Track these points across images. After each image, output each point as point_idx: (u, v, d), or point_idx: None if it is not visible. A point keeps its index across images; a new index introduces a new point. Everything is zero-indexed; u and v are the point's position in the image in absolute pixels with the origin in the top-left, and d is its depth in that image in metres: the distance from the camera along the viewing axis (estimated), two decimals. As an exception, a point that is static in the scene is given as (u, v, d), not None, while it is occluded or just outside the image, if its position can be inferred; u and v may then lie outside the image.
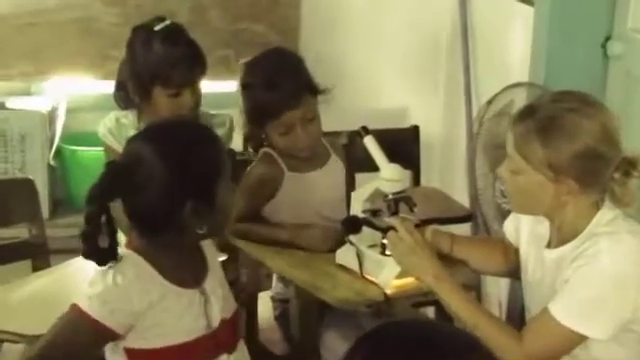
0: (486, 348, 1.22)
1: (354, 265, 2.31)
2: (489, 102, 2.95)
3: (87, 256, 1.83)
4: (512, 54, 3.20)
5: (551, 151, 1.96)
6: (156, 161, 1.79)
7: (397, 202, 2.31)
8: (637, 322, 2.02)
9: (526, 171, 2.00)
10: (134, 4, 3.82)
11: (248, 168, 2.60)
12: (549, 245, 2.12)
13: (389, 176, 2.32)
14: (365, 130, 2.42)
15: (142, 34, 2.59)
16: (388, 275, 2.25)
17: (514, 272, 2.28)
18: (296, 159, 2.54)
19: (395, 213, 2.31)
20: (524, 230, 2.22)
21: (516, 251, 2.25)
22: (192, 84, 2.58)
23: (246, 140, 2.65)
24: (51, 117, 4.04)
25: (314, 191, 2.57)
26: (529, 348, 2.00)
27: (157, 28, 2.57)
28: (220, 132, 2.62)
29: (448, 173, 3.62)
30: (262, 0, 3.94)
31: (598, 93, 3.02)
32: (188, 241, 1.89)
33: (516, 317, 3.08)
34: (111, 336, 1.84)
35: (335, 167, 2.62)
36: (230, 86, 3.84)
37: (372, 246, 2.33)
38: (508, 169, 2.05)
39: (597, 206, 2.04)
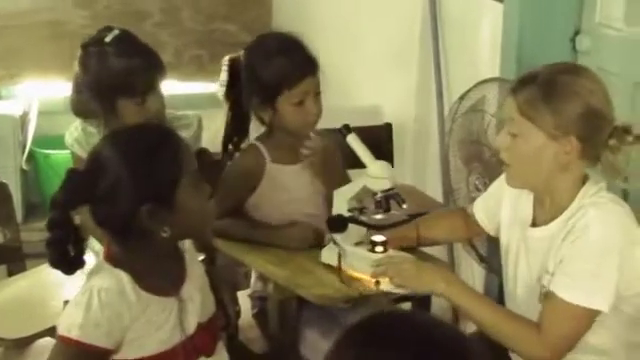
0: (475, 339, 1.23)
1: (341, 263, 2.32)
2: (461, 98, 2.97)
3: (54, 265, 1.81)
4: (483, 50, 3.23)
5: (558, 113, 2.01)
6: (114, 165, 1.78)
7: (387, 199, 2.32)
8: (625, 301, 2.05)
9: (530, 133, 2.04)
10: (104, 6, 3.80)
11: (229, 163, 2.60)
12: (534, 224, 2.15)
13: (377, 173, 2.33)
14: (347, 128, 2.43)
15: (94, 50, 2.53)
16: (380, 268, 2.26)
17: (478, 233, 2.45)
18: (283, 150, 2.54)
19: (387, 210, 2.32)
20: (504, 215, 2.25)
21: (476, 223, 2.37)
22: (155, 88, 2.55)
23: (226, 139, 2.63)
24: (23, 121, 4.01)
25: (295, 184, 2.57)
26: (549, 337, 2.02)
27: (108, 40, 2.52)
28: (188, 133, 2.61)
29: (421, 170, 3.64)
30: (234, 0, 3.94)
31: (568, 87, 3.06)
32: (157, 246, 1.85)
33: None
34: (110, 355, 1.83)
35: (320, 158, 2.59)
36: (202, 87, 3.85)
37: (359, 243, 2.35)
38: (509, 133, 2.08)
39: (583, 181, 2.09)
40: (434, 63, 3.46)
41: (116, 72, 2.49)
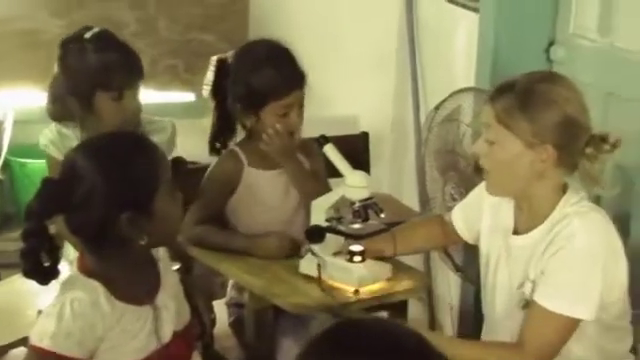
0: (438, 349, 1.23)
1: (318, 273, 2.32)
2: (437, 108, 2.99)
3: (28, 275, 1.79)
4: (459, 60, 3.25)
5: (535, 121, 2.03)
6: (91, 174, 1.77)
7: (366, 209, 2.32)
8: (604, 308, 2.07)
9: (506, 140, 2.06)
10: (81, 15, 3.78)
11: (209, 168, 2.60)
12: (515, 232, 2.17)
13: (355, 183, 2.33)
14: (324, 139, 2.44)
15: (73, 46, 2.57)
16: (359, 279, 2.28)
17: (455, 241, 2.43)
18: (260, 155, 2.54)
19: (365, 220, 2.33)
20: (484, 224, 2.26)
21: (454, 231, 2.37)
22: (132, 86, 2.58)
23: (213, 138, 2.62)
24: (-2, 130, 3.99)
25: (272, 189, 2.58)
26: (531, 348, 2.03)
27: (87, 36, 2.56)
28: (162, 137, 2.62)
29: (398, 179, 3.66)
30: (210, 10, 3.94)
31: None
32: (133, 254, 1.85)
33: (468, 320, 3.12)
34: None
35: (296, 164, 2.59)
36: (177, 96, 3.84)
37: (337, 253, 2.35)
38: (486, 140, 2.09)
39: (563, 190, 2.10)
40: (411, 72, 3.48)
41: (94, 66, 2.52)
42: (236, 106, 2.53)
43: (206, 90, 2.61)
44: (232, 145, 2.61)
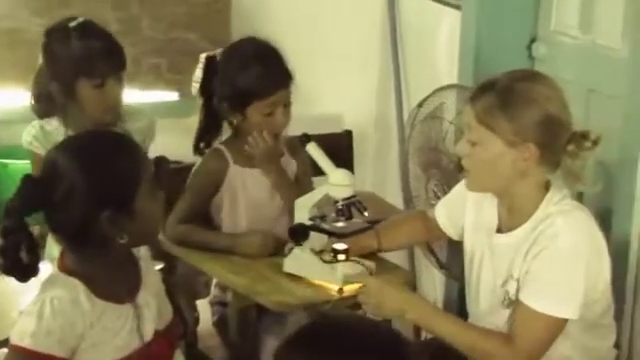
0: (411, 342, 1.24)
1: (304, 272, 2.33)
2: (420, 105, 2.99)
3: (7, 272, 1.78)
4: (441, 57, 3.26)
5: (515, 120, 2.03)
6: (70, 172, 1.77)
7: (349, 207, 2.32)
8: (586, 307, 2.07)
9: (488, 140, 2.06)
10: (63, 14, 3.78)
11: (195, 166, 2.60)
12: (499, 230, 2.17)
13: (338, 181, 2.34)
14: (307, 137, 2.44)
15: (58, 34, 2.61)
16: (344, 278, 2.28)
17: (439, 237, 2.45)
18: (246, 154, 2.54)
19: (349, 218, 2.33)
20: (467, 221, 2.27)
21: (438, 227, 2.37)
22: (115, 76, 2.59)
23: (199, 136, 2.62)
24: (-20, 130, 3.97)
25: (256, 187, 2.58)
26: (521, 347, 2.04)
27: (72, 25, 2.59)
28: (139, 124, 2.68)
29: (382, 177, 3.66)
30: (193, 9, 3.94)
31: (525, 94, 3.09)
32: (114, 253, 1.84)
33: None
34: None
35: (277, 169, 2.60)
36: (161, 95, 3.84)
37: (321, 251, 2.35)
38: (469, 141, 2.10)
39: (546, 187, 2.11)
40: (394, 70, 3.48)
41: (77, 53, 2.56)
42: (222, 104, 2.53)
43: (195, 88, 2.61)
44: (217, 144, 2.61)
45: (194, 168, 2.60)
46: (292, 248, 2.36)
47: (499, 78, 2.09)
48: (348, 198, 2.33)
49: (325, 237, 2.37)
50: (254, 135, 2.50)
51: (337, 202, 2.33)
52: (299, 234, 2.34)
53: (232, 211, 2.57)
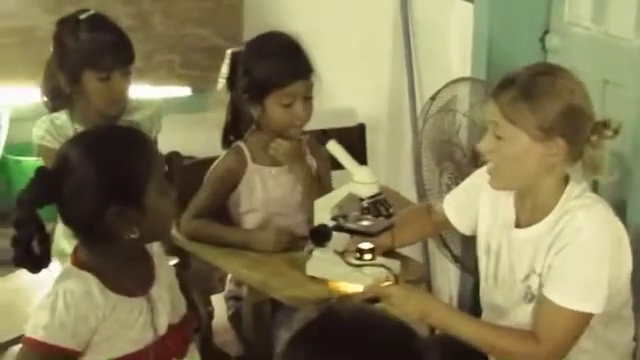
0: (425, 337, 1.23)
1: (328, 274, 2.26)
2: (432, 98, 2.99)
3: (18, 263, 1.81)
4: (454, 50, 3.25)
5: (540, 113, 2.02)
6: (81, 165, 1.78)
7: (376, 205, 2.26)
8: (609, 300, 2.06)
9: (514, 135, 2.04)
10: (74, 11, 3.78)
11: (215, 162, 2.59)
12: (517, 225, 2.15)
13: (364, 179, 2.28)
14: (326, 134, 2.40)
15: (68, 25, 2.64)
16: (374, 280, 2.20)
17: (444, 229, 2.48)
18: (266, 151, 2.54)
19: (377, 216, 2.26)
20: (482, 215, 2.24)
21: (446, 220, 2.36)
22: (121, 69, 2.61)
23: (226, 131, 2.61)
24: (-7, 128, 3.98)
25: (276, 186, 2.57)
26: (547, 344, 2.03)
27: (83, 17, 2.62)
28: (145, 113, 2.70)
29: (395, 170, 3.66)
30: (205, 5, 3.94)
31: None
32: (127, 247, 1.85)
33: (467, 310, 3.12)
34: (76, 356, 1.82)
35: (303, 168, 2.59)
36: (173, 91, 3.84)
37: (344, 252, 2.28)
38: (494, 136, 2.07)
39: (565, 181, 2.10)
40: (406, 63, 3.47)
41: (85, 45, 2.59)
42: (243, 96, 2.53)
43: (221, 83, 2.61)
44: (238, 141, 2.59)
45: (214, 164, 2.60)
46: (312, 250, 2.30)
47: (519, 73, 2.07)
48: (374, 196, 2.26)
49: (347, 237, 2.30)
50: (276, 140, 2.49)
51: (362, 200, 2.27)
52: (321, 235, 2.26)
53: (249, 208, 2.56)
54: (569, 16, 2.92)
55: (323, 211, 2.32)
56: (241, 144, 2.58)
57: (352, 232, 2.28)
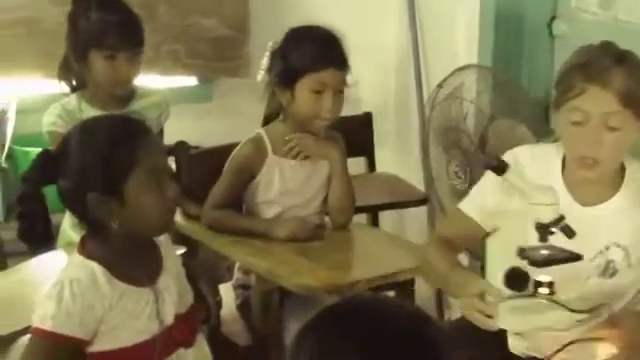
0: (440, 322, 1.22)
1: (529, 324, 1.99)
2: (439, 86, 2.98)
3: (22, 236, 1.84)
4: (460, 37, 3.24)
5: None
6: (73, 150, 1.80)
7: (563, 229, 1.95)
8: None
9: (632, 124, 1.98)
10: (81, 3, 3.78)
11: (234, 151, 2.59)
12: (584, 204, 2.06)
13: (545, 200, 1.95)
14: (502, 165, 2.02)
15: (81, 5, 2.69)
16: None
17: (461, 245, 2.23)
18: (287, 144, 2.54)
19: (570, 237, 1.96)
20: (513, 204, 2.07)
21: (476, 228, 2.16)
22: (127, 50, 2.64)
23: (266, 120, 2.61)
24: (1, 119, 3.98)
25: (294, 177, 2.57)
26: None
27: None
28: (152, 99, 2.75)
29: (403, 158, 3.65)
30: (210, -6, 3.93)
31: (546, 72, 3.07)
32: (121, 237, 1.83)
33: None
34: (84, 346, 1.82)
35: (323, 164, 2.59)
36: (179, 81, 3.84)
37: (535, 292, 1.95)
38: (608, 127, 1.96)
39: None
40: (412, 50, 3.47)
41: (93, 24, 2.65)
42: (275, 80, 2.53)
43: (260, 75, 2.61)
44: (259, 130, 2.59)
45: (233, 152, 2.59)
46: (501, 297, 1.90)
47: (614, 56, 1.99)
48: (558, 220, 1.95)
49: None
50: (298, 134, 2.51)
51: (547, 226, 1.95)
52: (518, 281, 1.91)
53: (265, 199, 2.56)
54: (576, 2, 2.91)
55: (504, 251, 1.98)
56: (262, 132, 2.58)
57: (559, 262, 1.95)
